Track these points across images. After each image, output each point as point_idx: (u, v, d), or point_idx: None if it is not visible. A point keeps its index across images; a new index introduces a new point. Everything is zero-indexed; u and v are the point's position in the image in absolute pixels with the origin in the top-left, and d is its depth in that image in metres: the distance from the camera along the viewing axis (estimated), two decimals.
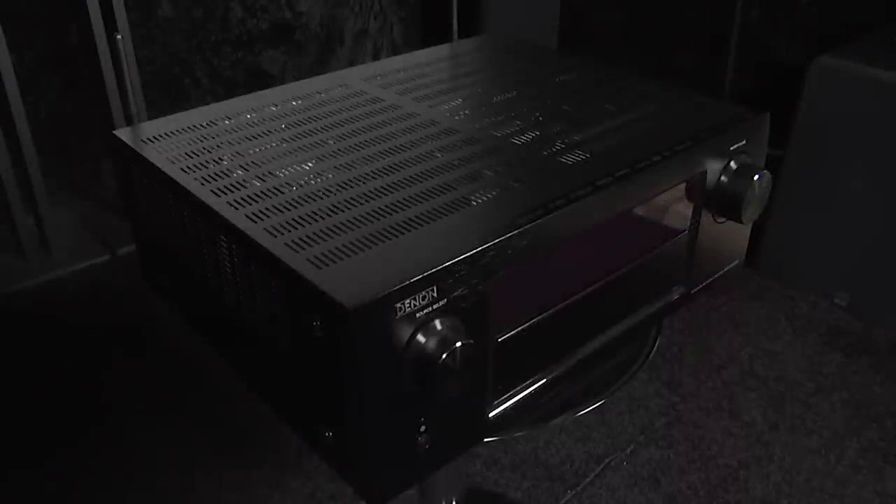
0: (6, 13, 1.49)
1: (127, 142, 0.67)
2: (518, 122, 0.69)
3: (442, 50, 0.89)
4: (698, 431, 1.31)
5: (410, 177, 0.60)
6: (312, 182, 0.60)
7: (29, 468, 1.22)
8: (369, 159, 0.63)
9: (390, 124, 0.70)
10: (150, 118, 0.81)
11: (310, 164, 0.62)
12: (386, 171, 0.61)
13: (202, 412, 1.33)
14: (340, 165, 0.62)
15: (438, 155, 0.63)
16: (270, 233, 0.53)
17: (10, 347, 1.46)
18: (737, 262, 0.77)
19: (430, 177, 0.60)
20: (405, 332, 0.48)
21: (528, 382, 0.61)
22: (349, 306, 0.45)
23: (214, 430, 1.30)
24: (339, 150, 0.65)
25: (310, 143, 0.66)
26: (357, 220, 0.54)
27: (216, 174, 0.61)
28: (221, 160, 0.63)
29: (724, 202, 0.68)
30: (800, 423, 1.32)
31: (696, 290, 0.73)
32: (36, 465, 1.22)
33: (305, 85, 0.79)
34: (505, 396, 0.59)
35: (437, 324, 0.49)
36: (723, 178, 0.68)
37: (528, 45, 0.90)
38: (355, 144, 0.66)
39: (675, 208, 0.67)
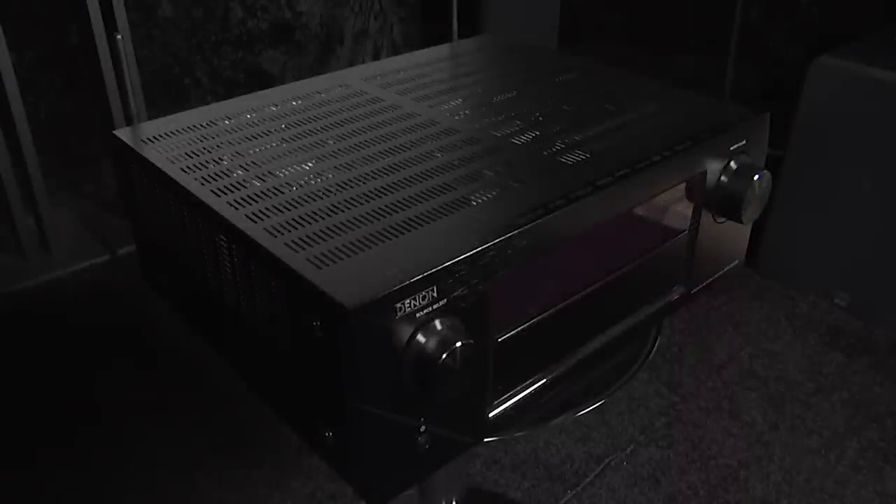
0: (6, 13, 1.49)
1: (127, 142, 0.67)
2: (518, 122, 0.69)
3: (442, 50, 0.89)
4: (698, 431, 1.31)
5: (410, 177, 0.60)
6: (312, 182, 0.60)
7: (28, 468, 1.22)
8: (369, 159, 0.63)
9: (390, 124, 0.70)
10: (150, 118, 0.81)
11: (310, 164, 0.62)
12: (386, 171, 0.61)
13: (202, 412, 1.33)
14: (340, 165, 0.62)
15: (438, 155, 0.63)
16: (270, 233, 0.53)
17: (10, 347, 1.46)
18: (737, 262, 0.77)
19: (430, 177, 0.60)
20: (405, 332, 0.48)
21: (528, 382, 0.61)
22: (349, 306, 0.45)
23: (214, 430, 1.30)
24: (339, 150, 0.65)
25: (310, 143, 0.66)
26: (357, 220, 0.54)
27: (216, 174, 0.61)
28: (221, 160, 0.63)
29: (724, 202, 0.68)
30: (800, 423, 1.32)
31: (696, 290, 0.73)
32: (36, 465, 1.22)
33: (305, 85, 0.79)
34: (505, 396, 0.59)
35: (437, 324, 0.49)
36: (723, 178, 0.68)
37: (528, 45, 0.90)
38: (355, 144, 0.66)
39: (675, 208, 0.67)
